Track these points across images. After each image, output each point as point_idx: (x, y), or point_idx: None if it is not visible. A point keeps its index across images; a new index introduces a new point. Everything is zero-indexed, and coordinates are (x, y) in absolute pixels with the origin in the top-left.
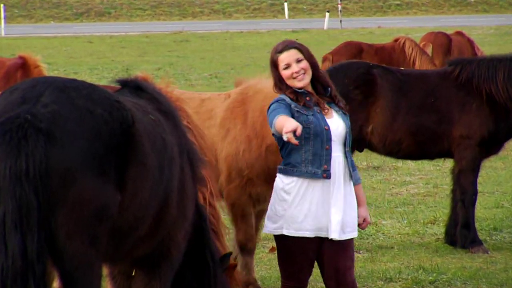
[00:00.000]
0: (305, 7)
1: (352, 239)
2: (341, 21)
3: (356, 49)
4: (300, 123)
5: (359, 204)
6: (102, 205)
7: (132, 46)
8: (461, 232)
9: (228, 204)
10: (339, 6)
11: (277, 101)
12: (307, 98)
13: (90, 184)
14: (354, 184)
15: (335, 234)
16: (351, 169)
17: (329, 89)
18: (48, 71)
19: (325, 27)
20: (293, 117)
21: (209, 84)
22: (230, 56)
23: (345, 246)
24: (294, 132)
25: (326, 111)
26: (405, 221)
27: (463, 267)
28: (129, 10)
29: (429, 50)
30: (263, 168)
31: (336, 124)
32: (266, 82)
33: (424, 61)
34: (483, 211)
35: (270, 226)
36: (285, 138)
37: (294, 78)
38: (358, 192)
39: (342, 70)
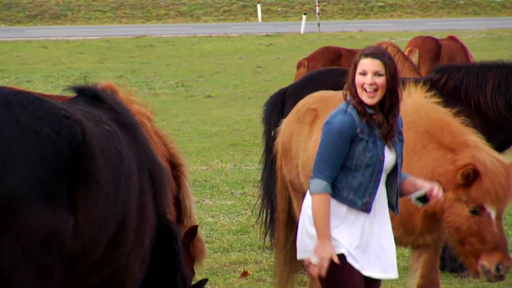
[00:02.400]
0: (279, 9)
1: (380, 280)
2: (319, 24)
3: (334, 54)
4: (357, 148)
5: (416, 181)
6: (52, 232)
7: (90, 51)
8: (450, 255)
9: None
10: (317, 8)
11: (343, 124)
12: (374, 117)
13: (38, 212)
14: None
15: (373, 272)
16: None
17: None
18: None
19: (302, 30)
20: (352, 143)
21: (175, 93)
22: (198, 63)
23: (374, 286)
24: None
25: (389, 137)
26: None
27: None
28: (87, 12)
29: (415, 56)
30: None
31: (391, 155)
32: (407, 106)
33: (407, 69)
34: None
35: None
36: (314, 262)
37: (363, 89)
38: (411, 179)
39: (319, 77)
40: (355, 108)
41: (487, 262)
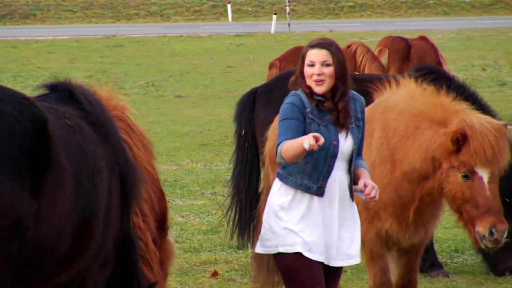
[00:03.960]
0: (250, 9)
1: (341, 267)
2: (289, 24)
3: None
4: (310, 131)
5: (359, 178)
6: (17, 216)
7: (60, 51)
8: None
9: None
10: (287, 8)
11: (292, 102)
12: (325, 104)
13: (6, 192)
14: (359, 168)
15: (333, 261)
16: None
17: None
18: None
19: (272, 30)
20: (304, 123)
21: (145, 93)
22: (169, 63)
23: (336, 274)
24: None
25: (340, 122)
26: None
27: None
28: (57, 12)
29: (385, 56)
30: (391, 199)
31: (346, 140)
32: (399, 96)
33: (374, 69)
34: (443, 231)
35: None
36: (306, 146)
37: (313, 80)
38: (361, 172)
39: (290, 77)
40: (303, 92)
41: (481, 228)
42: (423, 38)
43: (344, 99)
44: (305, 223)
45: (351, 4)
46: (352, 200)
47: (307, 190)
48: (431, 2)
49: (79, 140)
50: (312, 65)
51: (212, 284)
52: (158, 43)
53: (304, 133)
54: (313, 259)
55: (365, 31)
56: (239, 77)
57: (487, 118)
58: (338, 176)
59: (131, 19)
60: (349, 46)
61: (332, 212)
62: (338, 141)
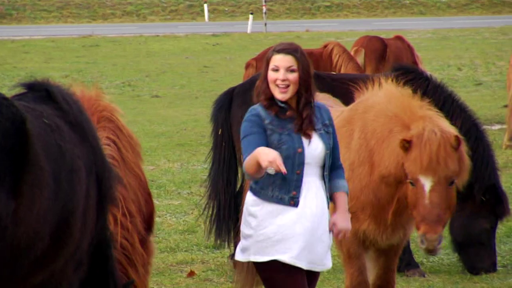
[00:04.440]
0: (226, 9)
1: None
2: (265, 24)
3: None
4: (271, 142)
5: (335, 210)
6: None
7: (36, 51)
8: None
9: (335, 243)
10: (264, 7)
11: (249, 119)
12: (288, 113)
13: None
14: (337, 191)
15: (313, 266)
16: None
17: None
18: None
19: (249, 30)
20: (266, 135)
21: (121, 93)
22: (145, 62)
23: (315, 278)
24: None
25: (304, 129)
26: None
27: None
28: (32, 11)
29: (361, 55)
30: (369, 200)
31: (314, 145)
32: (378, 97)
33: (350, 69)
34: None
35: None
36: (271, 172)
37: (276, 85)
38: (338, 199)
39: None
40: (261, 105)
41: (418, 235)
42: (399, 38)
43: (308, 106)
44: (281, 232)
45: (327, 4)
46: (328, 205)
47: (279, 201)
48: (407, 2)
49: (57, 140)
50: (276, 70)
51: (188, 284)
52: (134, 43)
53: (267, 145)
54: (293, 265)
55: (342, 31)
56: (216, 77)
57: (444, 126)
58: (314, 182)
59: (107, 19)
60: (325, 46)
61: (310, 219)
62: (303, 148)
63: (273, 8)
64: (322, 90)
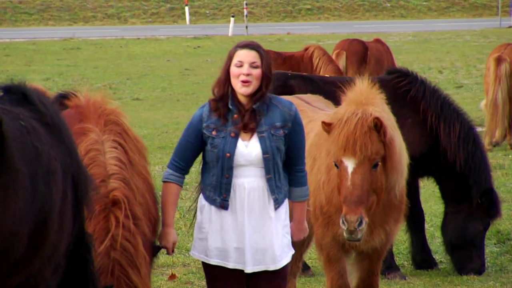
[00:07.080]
0: (208, 12)
1: (281, 268)
2: (247, 27)
3: None
4: (207, 145)
5: (292, 220)
6: None
7: (17, 54)
8: None
9: (316, 246)
10: (245, 10)
11: (191, 120)
12: (235, 116)
13: None
14: (293, 201)
15: (246, 266)
16: (280, 193)
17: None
18: None
19: (230, 33)
20: (203, 138)
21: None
22: (126, 65)
23: (270, 277)
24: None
25: (245, 132)
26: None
27: None
28: (13, 14)
29: (342, 58)
30: (340, 202)
31: (251, 148)
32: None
33: (330, 71)
34: (400, 233)
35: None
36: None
37: (239, 80)
38: (294, 210)
39: None
40: (209, 104)
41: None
42: (378, 41)
43: (261, 100)
44: (213, 231)
45: (308, 6)
46: (276, 204)
47: (212, 203)
48: (388, 5)
49: (33, 141)
50: (240, 65)
51: (170, 287)
52: (115, 46)
53: (204, 148)
54: (225, 266)
55: (323, 34)
56: (197, 80)
57: (371, 110)
58: (248, 184)
59: (88, 21)
60: (306, 49)
61: (242, 220)
62: (232, 153)
63: (254, 11)
64: (315, 92)
